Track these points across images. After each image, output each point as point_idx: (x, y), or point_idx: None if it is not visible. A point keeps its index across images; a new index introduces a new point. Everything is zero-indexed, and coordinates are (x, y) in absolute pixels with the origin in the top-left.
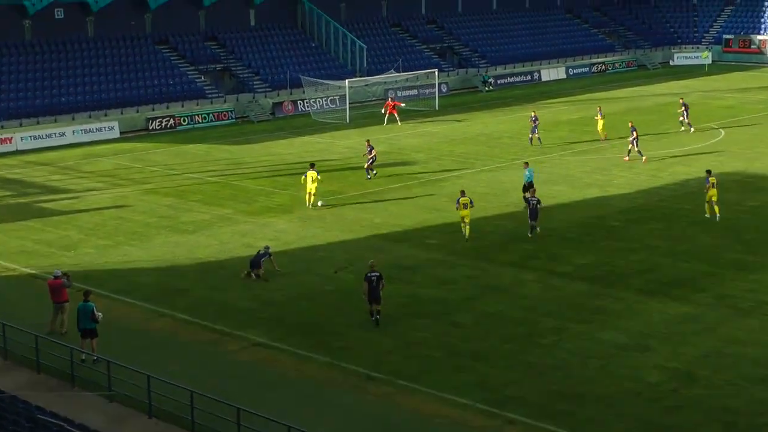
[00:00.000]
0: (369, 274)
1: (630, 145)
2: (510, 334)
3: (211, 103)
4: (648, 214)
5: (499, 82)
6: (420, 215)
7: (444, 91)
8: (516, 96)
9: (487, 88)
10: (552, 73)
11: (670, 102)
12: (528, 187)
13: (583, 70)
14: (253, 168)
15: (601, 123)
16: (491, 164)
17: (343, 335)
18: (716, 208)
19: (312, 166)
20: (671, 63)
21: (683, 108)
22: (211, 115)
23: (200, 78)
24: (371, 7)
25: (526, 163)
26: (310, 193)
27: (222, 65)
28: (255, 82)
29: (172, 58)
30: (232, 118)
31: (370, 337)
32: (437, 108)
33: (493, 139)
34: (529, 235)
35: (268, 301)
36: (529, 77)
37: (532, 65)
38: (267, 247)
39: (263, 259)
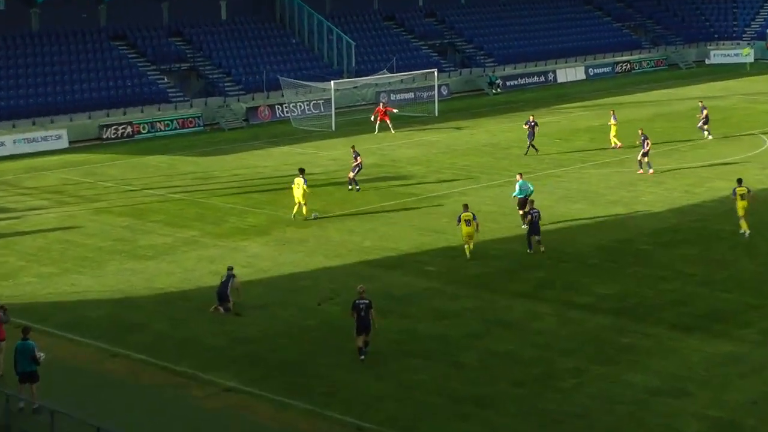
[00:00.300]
0: (357, 302)
1: (640, 157)
2: (522, 376)
3: (176, 108)
4: (682, 236)
5: (507, 83)
6: (416, 238)
7: (444, 94)
8: (527, 99)
9: (494, 91)
10: (569, 73)
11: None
12: (523, 203)
13: (605, 70)
14: (223, 183)
15: (614, 129)
16: (499, 179)
17: (328, 378)
18: (744, 224)
19: (301, 172)
20: (707, 62)
21: (703, 112)
22: (175, 122)
23: (163, 79)
24: None
25: (520, 174)
26: (299, 203)
27: (188, 65)
28: (226, 84)
29: (130, 56)
30: (199, 126)
31: (359, 380)
32: (436, 114)
33: (501, 150)
34: (529, 251)
35: (241, 338)
36: (542, 78)
37: (546, 64)
38: (230, 269)
39: (230, 285)
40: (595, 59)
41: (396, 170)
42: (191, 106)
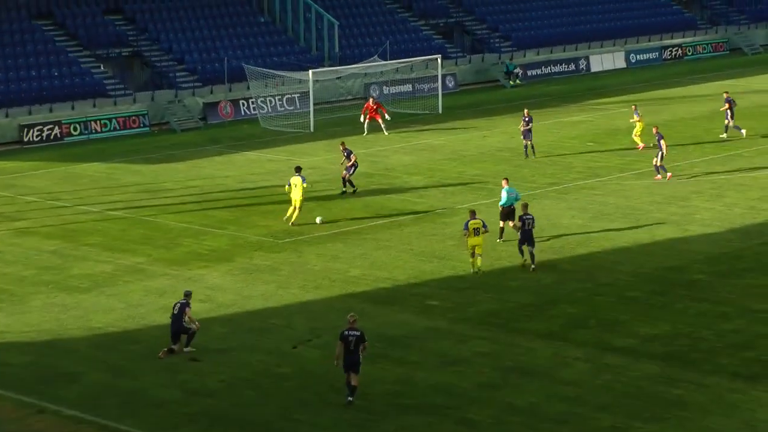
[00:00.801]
0: (346, 332)
1: (659, 161)
2: None
3: (115, 104)
4: (746, 264)
5: (529, 73)
6: (415, 265)
7: (450, 86)
8: (554, 94)
9: (512, 82)
10: (606, 60)
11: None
12: (508, 214)
13: (651, 56)
14: (175, 197)
15: (640, 127)
16: (519, 190)
17: None
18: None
19: (298, 170)
20: None
21: (727, 105)
22: (114, 121)
23: (98, 68)
24: None
25: (506, 179)
26: (295, 207)
27: (130, 50)
28: (178, 74)
29: (57, 38)
30: (144, 126)
31: None
32: (440, 111)
33: (522, 156)
34: (522, 258)
35: (198, 391)
36: (572, 66)
37: (576, 49)
38: (187, 294)
39: (185, 317)
40: (638, 43)
41: (390, 181)
42: (134, 101)
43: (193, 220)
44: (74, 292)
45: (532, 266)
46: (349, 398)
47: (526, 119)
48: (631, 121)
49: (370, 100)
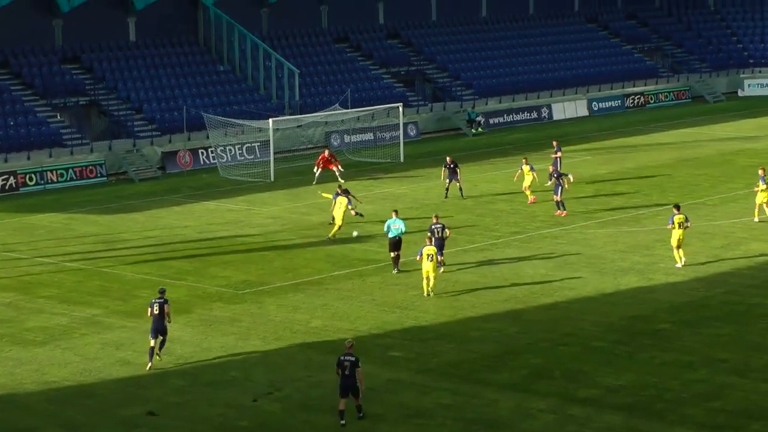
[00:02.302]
0: (342, 358)
1: (559, 197)
2: None
3: (72, 153)
4: (710, 313)
5: (491, 121)
6: (377, 316)
7: (412, 134)
8: (516, 142)
9: (474, 131)
10: (568, 108)
11: (740, 150)
12: (396, 245)
13: (614, 104)
14: (133, 248)
15: (529, 179)
16: (480, 241)
17: None
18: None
19: (345, 193)
20: (740, 93)
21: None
22: (71, 171)
23: (55, 117)
24: (306, 13)
25: (395, 212)
26: (338, 225)
27: (87, 98)
28: (136, 123)
29: (13, 87)
30: (102, 176)
31: None
32: (402, 159)
33: (484, 205)
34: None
35: None
36: (535, 114)
37: (539, 98)
38: (162, 291)
39: (167, 316)
40: (600, 91)
41: (351, 232)
42: (92, 150)
43: (150, 271)
44: (29, 345)
45: (441, 269)
46: (342, 423)
47: (450, 166)
48: (521, 169)
49: (326, 151)
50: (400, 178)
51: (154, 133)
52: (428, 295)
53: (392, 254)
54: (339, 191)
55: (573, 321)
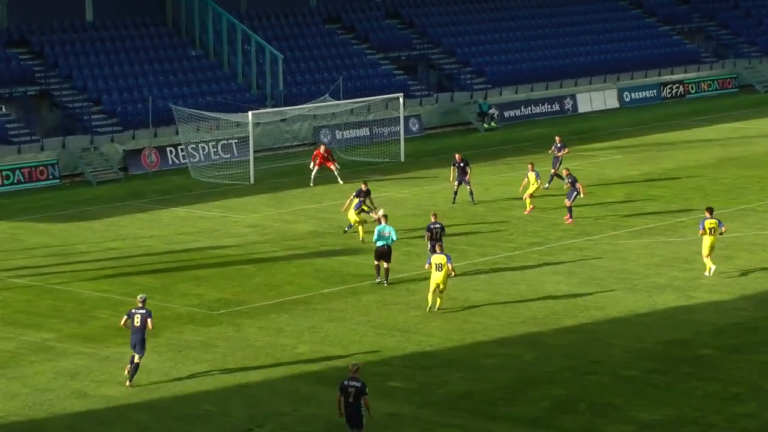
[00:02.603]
0: (346, 382)
1: (569, 201)
2: None
3: (19, 152)
4: (761, 337)
5: (506, 114)
6: (374, 340)
7: (415, 130)
8: (535, 138)
9: (486, 125)
10: (596, 99)
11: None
12: (384, 254)
13: (649, 94)
14: (91, 262)
15: (533, 188)
16: (494, 253)
17: None
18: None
19: (359, 194)
20: None
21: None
22: (18, 172)
23: (0, 110)
24: None
25: (384, 217)
26: (356, 222)
27: (37, 88)
28: (94, 117)
29: None
30: (54, 178)
31: None
32: (403, 159)
33: (498, 211)
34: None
35: None
36: (556, 107)
37: (561, 87)
38: (143, 300)
39: (148, 328)
40: (632, 79)
41: (344, 241)
42: (42, 149)
43: (111, 289)
44: None
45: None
46: None
47: (457, 162)
48: (529, 176)
49: (321, 147)
50: (401, 180)
51: (114, 128)
52: (429, 310)
53: (376, 263)
54: (362, 189)
55: (601, 346)
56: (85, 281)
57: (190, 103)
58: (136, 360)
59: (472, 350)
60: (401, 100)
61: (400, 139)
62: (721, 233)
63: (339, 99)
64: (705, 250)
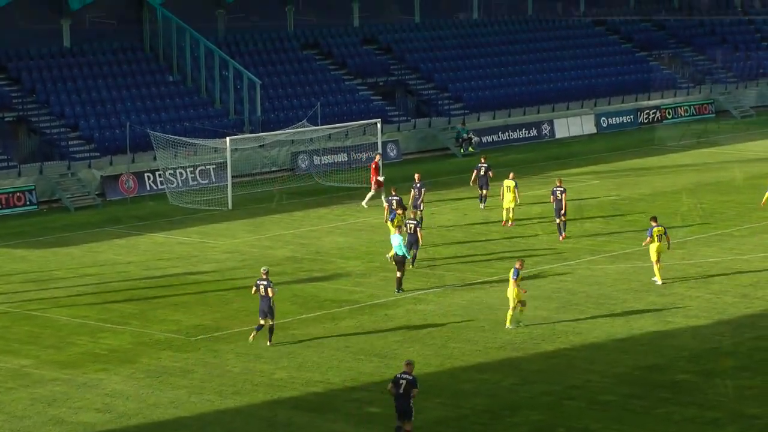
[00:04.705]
0: (399, 375)
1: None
2: None
3: None
4: (738, 362)
5: (484, 140)
6: (353, 366)
7: (393, 155)
8: (513, 163)
9: (464, 150)
10: (573, 125)
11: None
12: (402, 263)
13: (626, 119)
14: (68, 288)
15: (509, 198)
16: (473, 277)
17: None
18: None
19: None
20: None
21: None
22: None
23: None
24: (269, 15)
25: (399, 227)
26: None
27: (14, 114)
28: (72, 143)
29: None
30: (31, 204)
31: None
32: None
33: (477, 236)
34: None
35: None
36: (534, 132)
37: (539, 112)
38: (266, 272)
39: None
40: (610, 104)
41: (322, 267)
42: (19, 174)
43: (88, 315)
44: None
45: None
46: None
47: (417, 185)
48: (506, 188)
49: (377, 156)
50: (379, 206)
51: (92, 154)
52: (518, 324)
53: (398, 274)
54: (392, 194)
55: (579, 371)
56: (63, 307)
57: (168, 128)
58: (270, 322)
59: (450, 375)
60: (379, 125)
61: (379, 165)
62: (668, 246)
63: (317, 124)
64: (653, 256)
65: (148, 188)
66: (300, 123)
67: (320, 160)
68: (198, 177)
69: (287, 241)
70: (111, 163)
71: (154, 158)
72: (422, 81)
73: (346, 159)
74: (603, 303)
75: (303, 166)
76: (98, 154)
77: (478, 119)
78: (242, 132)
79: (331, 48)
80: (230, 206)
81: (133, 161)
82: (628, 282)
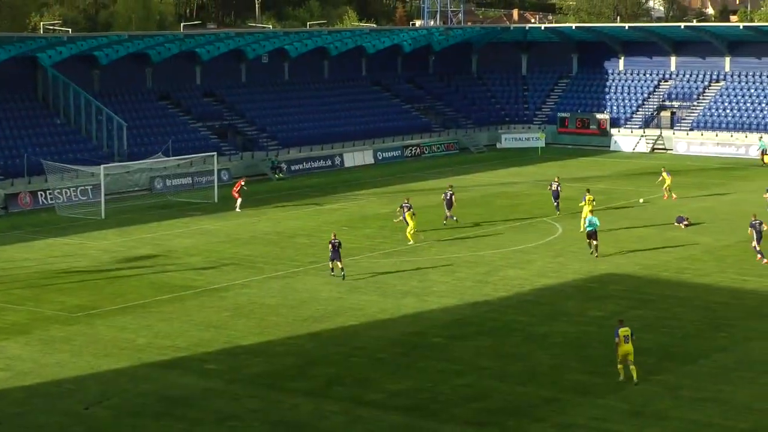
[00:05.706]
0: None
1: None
2: None
3: None
4: (475, 329)
5: (292, 168)
6: (195, 334)
7: (225, 179)
8: (313, 185)
9: (277, 176)
10: (357, 157)
11: (498, 193)
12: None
13: (395, 153)
14: None
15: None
16: (284, 269)
17: None
18: (633, 371)
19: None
20: (498, 146)
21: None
22: None
23: None
24: (133, 75)
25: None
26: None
27: None
28: None
29: None
30: None
31: None
32: (216, 200)
33: (286, 238)
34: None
35: None
36: (329, 162)
37: (333, 147)
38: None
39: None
40: (384, 142)
41: (173, 261)
42: None
43: None
44: None
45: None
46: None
47: (449, 194)
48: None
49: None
50: (215, 216)
51: None
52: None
53: (594, 242)
54: (405, 202)
55: (362, 336)
56: None
57: (56, 158)
58: (339, 265)
59: (267, 341)
60: (215, 157)
61: (214, 186)
62: (633, 340)
63: (169, 156)
64: (621, 357)
65: (41, 203)
66: (156, 155)
67: (171, 182)
68: (79, 195)
69: (147, 242)
70: (12, 184)
71: (46, 180)
72: (248, 124)
73: (191, 181)
74: (379, 287)
75: (158, 187)
76: (2, 176)
77: (288, 152)
78: (113, 161)
79: (179, 99)
80: (103, 216)
81: (29, 182)
82: (397, 270)
